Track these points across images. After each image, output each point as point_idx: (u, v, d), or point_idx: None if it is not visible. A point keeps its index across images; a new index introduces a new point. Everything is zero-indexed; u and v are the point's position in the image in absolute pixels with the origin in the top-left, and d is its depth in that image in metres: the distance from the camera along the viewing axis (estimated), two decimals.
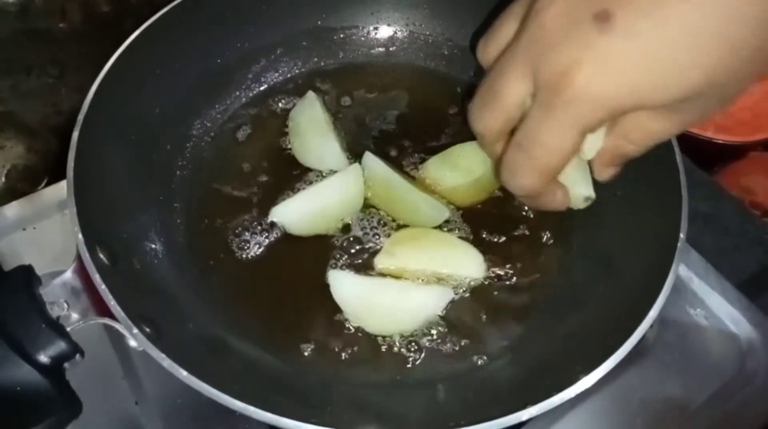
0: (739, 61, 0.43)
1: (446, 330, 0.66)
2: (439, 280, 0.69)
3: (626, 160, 0.57)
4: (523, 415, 0.49)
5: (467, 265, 0.69)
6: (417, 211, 0.72)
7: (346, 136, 0.81)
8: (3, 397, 0.47)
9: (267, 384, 0.60)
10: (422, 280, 0.69)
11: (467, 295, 0.68)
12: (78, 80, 0.93)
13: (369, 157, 0.75)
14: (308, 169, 0.77)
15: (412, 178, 0.76)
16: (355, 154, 0.78)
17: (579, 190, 0.63)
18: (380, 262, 0.69)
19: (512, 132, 0.54)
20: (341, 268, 0.70)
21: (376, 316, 0.66)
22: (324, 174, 0.77)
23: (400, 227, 0.72)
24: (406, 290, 0.67)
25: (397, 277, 0.69)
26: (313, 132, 0.79)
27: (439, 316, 0.67)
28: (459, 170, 0.75)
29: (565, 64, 0.45)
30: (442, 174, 0.75)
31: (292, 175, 0.77)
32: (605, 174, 0.59)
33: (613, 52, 0.44)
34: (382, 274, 0.69)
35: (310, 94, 0.82)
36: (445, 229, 0.73)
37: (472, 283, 0.69)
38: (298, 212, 0.72)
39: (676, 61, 0.43)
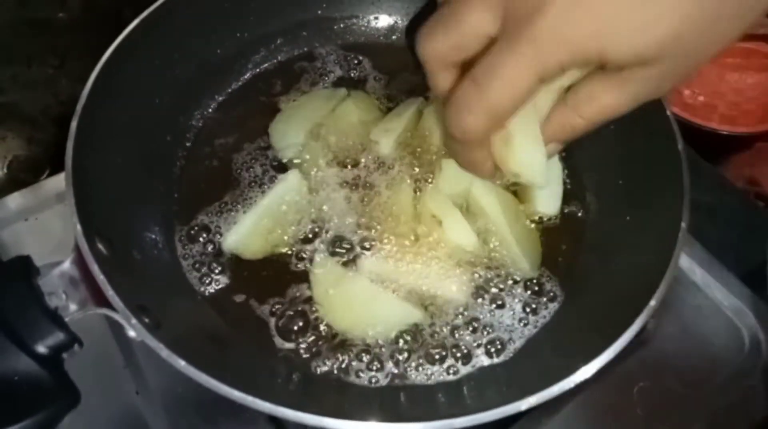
0: (703, 18, 0.44)
1: (436, 330, 0.65)
2: (419, 296, 0.66)
3: (572, 136, 0.56)
4: (522, 404, 0.49)
5: (450, 286, 0.66)
6: None
7: None
8: (1, 387, 0.47)
9: (266, 373, 0.60)
10: (401, 292, 0.66)
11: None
12: (79, 70, 0.91)
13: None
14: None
15: None
16: None
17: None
18: (363, 263, 0.68)
19: (463, 68, 0.53)
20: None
21: (337, 307, 0.65)
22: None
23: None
24: (377, 296, 0.65)
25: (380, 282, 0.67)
26: (301, 116, 0.78)
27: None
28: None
29: (537, 1, 0.45)
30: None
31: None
32: (549, 149, 0.58)
33: None
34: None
35: (357, 95, 0.81)
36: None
37: (457, 304, 0.66)
38: (248, 234, 0.70)
39: (643, 12, 0.43)
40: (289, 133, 0.77)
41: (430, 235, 0.69)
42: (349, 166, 0.75)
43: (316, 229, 0.71)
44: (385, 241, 0.69)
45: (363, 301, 0.65)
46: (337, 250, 0.70)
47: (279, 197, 0.71)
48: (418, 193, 0.72)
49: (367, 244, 0.70)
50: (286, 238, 0.70)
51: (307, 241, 0.70)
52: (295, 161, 0.76)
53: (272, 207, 0.71)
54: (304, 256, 0.69)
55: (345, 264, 0.69)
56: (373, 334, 0.64)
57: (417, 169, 0.74)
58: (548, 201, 0.72)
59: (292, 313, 0.66)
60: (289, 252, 0.70)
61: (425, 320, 0.65)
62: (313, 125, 0.77)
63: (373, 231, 0.70)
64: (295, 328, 0.65)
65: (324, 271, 0.67)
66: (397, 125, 0.76)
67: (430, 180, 0.73)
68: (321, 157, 0.75)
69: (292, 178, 0.73)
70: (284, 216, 0.71)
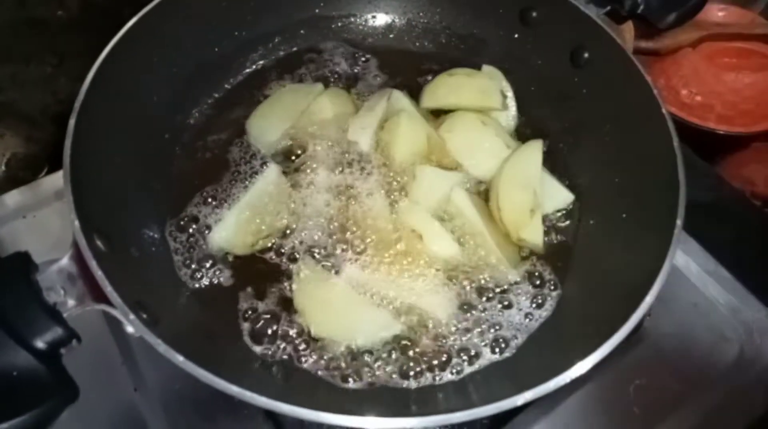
0: None
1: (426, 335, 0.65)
2: (401, 308, 0.66)
3: None
4: (518, 400, 0.49)
5: (432, 302, 0.66)
6: None
7: None
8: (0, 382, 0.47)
9: (263, 369, 0.60)
10: (383, 303, 0.66)
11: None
12: (77, 68, 0.91)
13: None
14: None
15: None
16: None
17: None
18: (345, 270, 0.68)
19: None
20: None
21: (317, 311, 0.65)
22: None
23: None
24: (358, 304, 0.65)
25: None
26: (277, 115, 0.79)
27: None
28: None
29: None
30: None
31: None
32: None
33: None
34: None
35: (332, 91, 0.81)
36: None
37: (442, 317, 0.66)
38: (232, 231, 0.70)
39: None
40: (268, 131, 0.78)
41: (412, 249, 0.69)
42: (336, 172, 0.75)
43: (296, 230, 0.71)
44: (366, 250, 0.69)
45: (343, 307, 0.65)
46: (319, 255, 0.69)
47: (260, 191, 0.72)
48: (394, 205, 0.72)
49: (348, 252, 0.69)
50: (264, 227, 0.70)
51: (289, 244, 0.70)
52: (276, 157, 0.77)
53: (253, 201, 0.71)
54: (285, 254, 0.70)
55: (327, 269, 0.68)
56: (357, 342, 0.63)
57: (391, 179, 0.74)
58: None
59: (268, 316, 0.66)
60: (274, 256, 0.69)
61: (408, 333, 0.65)
62: (290, 124, 0.78)
63: (355, 238, 0.70)
64: (279, 331, 0.65)
65: (306, 275, 0.67)
66: (371, 121, 0.77)
67: (402, 183, 0.73)
68: (302, 161, 0.75)
69: (270, 172, 0.74)
70: (265, 207, 0.71)
